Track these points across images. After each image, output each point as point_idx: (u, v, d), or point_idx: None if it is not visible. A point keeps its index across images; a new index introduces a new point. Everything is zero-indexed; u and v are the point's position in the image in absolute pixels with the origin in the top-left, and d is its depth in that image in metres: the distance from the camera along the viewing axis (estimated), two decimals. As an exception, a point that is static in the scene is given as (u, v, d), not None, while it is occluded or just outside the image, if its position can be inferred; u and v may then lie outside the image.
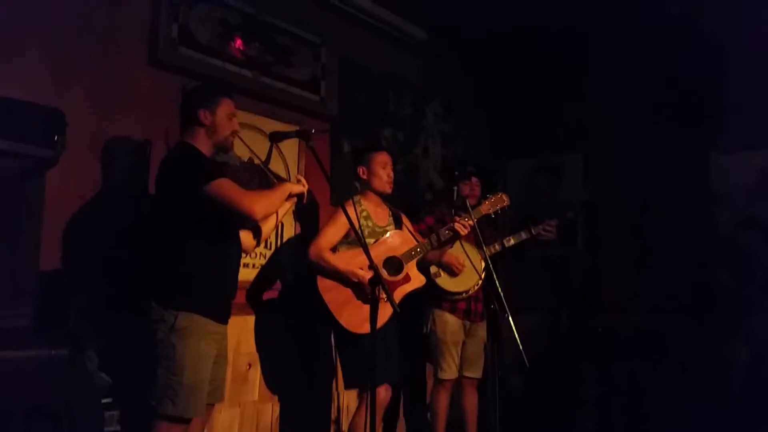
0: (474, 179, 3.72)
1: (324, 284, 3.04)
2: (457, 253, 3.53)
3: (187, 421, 2.35)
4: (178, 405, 2.29)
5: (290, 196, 2.55)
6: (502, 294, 2.99)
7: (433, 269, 3.56)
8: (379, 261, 3.09)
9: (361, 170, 3.28)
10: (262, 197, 2.43)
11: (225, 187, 2.29)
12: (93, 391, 2.25)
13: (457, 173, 3.68)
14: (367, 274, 2.93)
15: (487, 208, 3.36)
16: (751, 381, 3.81)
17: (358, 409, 3.16)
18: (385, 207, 3.35)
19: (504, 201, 3.38)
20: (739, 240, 4.28)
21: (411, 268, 3.19)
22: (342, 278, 3.04)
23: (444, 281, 3.59)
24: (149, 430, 2.30)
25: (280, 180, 2.93)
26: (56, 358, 1.98)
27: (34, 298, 2.15)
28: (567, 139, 5.09)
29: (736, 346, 4.02)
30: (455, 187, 3.40)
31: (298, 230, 3.65)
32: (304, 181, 2.69)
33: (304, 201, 2.60)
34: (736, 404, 3.82)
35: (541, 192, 5.25)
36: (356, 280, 3.01)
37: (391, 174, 3.29)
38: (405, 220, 3.40)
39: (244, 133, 3.30)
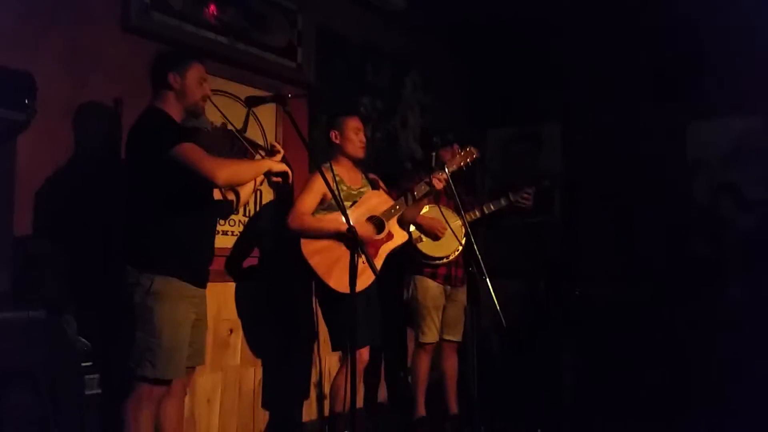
0: (455, 146, 3.73)
1: (308, 249, 3.04)
2: (438, 218, 3.57)
3: (168, 382, 2.38)
4: (158, 367, 2.31)
5: (270, 173, 2.53)
6: (480, 258, 3.04)
7: (414, 234, 3.59)
8: (361, 221, 3.11)
9: (333, 134, 3.28)
10: (228, 164, 2.42)
11: (189, 151, 2.28)
12: (72, 354, 2.25)
13: (437, 140, 3.69)
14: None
15: (458, 161, 3.36)
16: (729, 344, 3.89)
17: (339, 370, 3.20)
18: (358, 171, 3.37)
19: (473, 153, 3.39)
20: (714, 206, 4.35)
21: (392, 225, 3.22)
22: (327, 237, 3.04)
23: (425, 246, 3.63)
24: (130, 392, 2.33)
25: (255, 146, 2.91)
26: (33, 321, 1.99)
27: (9, 263, 2.15)
28: (545, 108, 5.12)
29: (712, 310, 4.10)
30: (433, 153, 3.40)
31: (274, 197, 3.65)
32: (281, 154, 2.70)
33: (290, 181, 2.58)
34: (713, 368, 3.91)
35: (519, 161, 5.30)
36: (342, 231, 2.99)
37: (363, 139, 3.30)
38: (381, 183, 3.42)
39: (220, 99, 3.31)
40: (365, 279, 3.06)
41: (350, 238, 2.36)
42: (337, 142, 3.28)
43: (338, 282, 3.00)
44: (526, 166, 5.21)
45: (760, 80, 4.22)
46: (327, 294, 3.08)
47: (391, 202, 3.25)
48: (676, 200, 4.53)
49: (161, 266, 2.34)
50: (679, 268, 4.29)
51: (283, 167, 2.54)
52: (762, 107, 4.30)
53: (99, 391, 2.40)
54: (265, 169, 2.52)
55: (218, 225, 3.28)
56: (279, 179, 2.55)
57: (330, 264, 3.04)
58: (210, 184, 2.32)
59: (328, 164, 3.26)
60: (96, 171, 2.75)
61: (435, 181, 3.23)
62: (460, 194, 3.43)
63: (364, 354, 3.13)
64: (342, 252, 3.05)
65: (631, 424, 3.62)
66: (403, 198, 3.27)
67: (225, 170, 2.32)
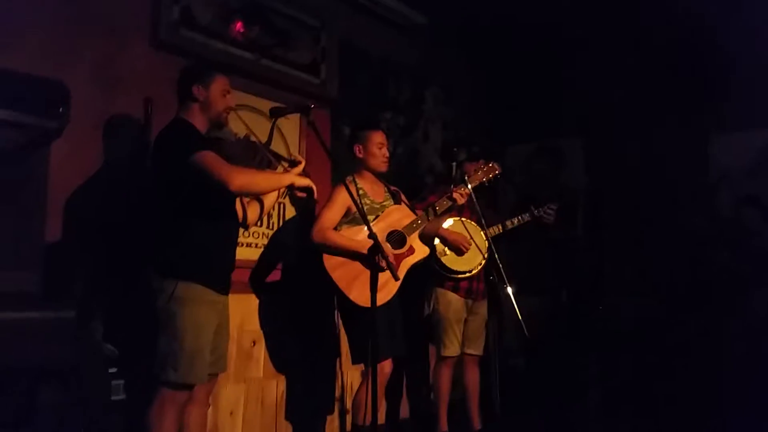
0: (481, 161, 3.75)
1: (331, 263, 3.07)
2: (462, 232, 3.57)
3: (190, 387, 2.39)
4: (180, 371, 2.33)
5: (293, 188, 2.55)
6: (501, 267, 3.03)
7: (439, 248, 3.59)
8: (381, 236, 3.12)
9: (357, 149, 3.30)
10: (244, 172, 2.46)
11: (207, 158, 2.32)
12: (100, 359, 2.28)
13: (462, 154, 3.71)
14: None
15: (479, 177, 3.39)
16: (751, 355, 3.82)
17: (361, 384, 3.19)
18: (381, 184, 3.38)
19: (496, 169, 3.42)
20: (739, 218, 4.30)
21: (414, 240, 3.22)
22: (348, 255, 3.07)
23: (449, 260, 3.63)
24: (154, 398, 2.34)
25: (278, 158, 2.95)
26: (62, 321, 2.02)
27: (40, 266, 2.20)
28: (566, 123, 5.12)
29: (735, 322, 4.04)
30: (453, 163, 3.43)
31: (297, 212, 3.68)
32: (302, 164, 2.73)
33: (315, 197, 2.58)
34: (737, 380, 3.84)
35: (541, 176, 5.29)
36: (363, 252, 3.02)
37: (387, 153, 3.32)
38: (402, 196, 3.44)
39: (245, 113, 3.36)
40: (387, 292, 3.07)
41: (372, 247, 2.37)
42: (361, 156, 3.30)
43: (359, 296, 3.01)
44: (548, 181, 5.20)
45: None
46: (348, 307, 3.08)
47: (412, 217, 3.26)
48: (699, 212, 4.49)
49: (184, 272, 2.38)
50: (703, 282, 4.23)
51: (308, 182, 2.56)
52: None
53: (124, 396, 2.43)
54: (287, 183, 2.54)
55: (242, 236, 3.33)
56: (304, 194, 2.57)
57: (352, 278, 3.05)
58: (224, 191, 2.32)
59: (352, 177, 3.29)
60: (124, 179, 2.82)
61: (457, 196, 3.24)
62: (483, 208, 3.46)
63: (386, 366, 3.12)
64: (363, 267, 3.06)
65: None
66: (425, 212, 3.28)
67: (240, 177, 2.35)
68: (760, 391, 3.69)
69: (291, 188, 2.56)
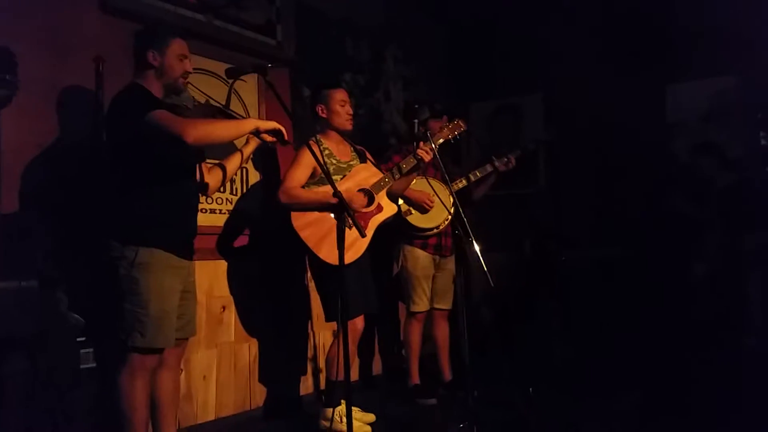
0: (444, 117, 3.76)
1: (299, 222, 3.06)
2: (425, 190, 3.60)
3: (159, 350, 2.40)
4: (147, 336, 2.33)
5: (259, 132, 2.44)
6: (467, 224, 3.07)
7: (404, 207, 3.63)
8: (352, 193, 3.13)
9: (320, 108, 3.28)
10: (200, 122, 2.34)
11: (161, 115, 2.27)
12: (67, 327, 2.27)
13: (428, 113, 3.70)
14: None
15: (446, 134, 3.40)
16: (710, 295, 3.97)
17: (333, 341, 3.24)
18: (346, 144, 3.38)
19: (461, 126, 3.43)
20: (695, 165, 4.41)
21: (381, 197, 3.25)
22: (318, 207, 3.06)
23: (415, 219, 3.67)
24: (123, 364, 2.35)
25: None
26: (25, 290, 2.00)
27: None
28: (525, 79, 5.16)
29: (693, 264, 4.18)
30: (416, 121, 3.43)
31: (262, 177, 3.66)
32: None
33: (286, 138, 2.46)
34: (697, 319, 4.00)
35: (503, 132, 5.34)
36: (332, 201, 3.00)
37: (350, 110, 3.30)
38: (368, 155, 3.44)
39: (201, 77, 3.31)
40: (356, 250, 3.10)
41: (337, 204, 2.37)
42: (324, 115, 3.28)
43: (329, 254, 3.03)
44: (510, 137, 5.26)
45: (732, 41, 4.29)
46: (319, 266, 3.10)
47: (379, 175, 3.27)
48: (657, 161, 4.60)
49: (145, 238, 2.36)
50: (662, 226, 4.35)
51: (274, 124, 2.43)
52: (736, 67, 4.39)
53: (94, 365, 2.42)
54: (251, 128, 2.42)
55: (205, 202, 3.31)
56: (273, 138, 2.47)
57: (321, 236, 3.06)
58: (181, 143, 2.23)
59: (316, 138, 3.28)
60: (78, 146, 2.76)
61: (422, 153, 3.23)
62: (447, 164, 3.47)
63: (358, 323, 3.17)
64: (332, 224, 3.07)
65: (620, 383, 3.69)
66: (391, 171, 3.29)
67: (196, 128, 2.24)
68: (718, 326, 3.86)
69: (257, 133, 2.45)
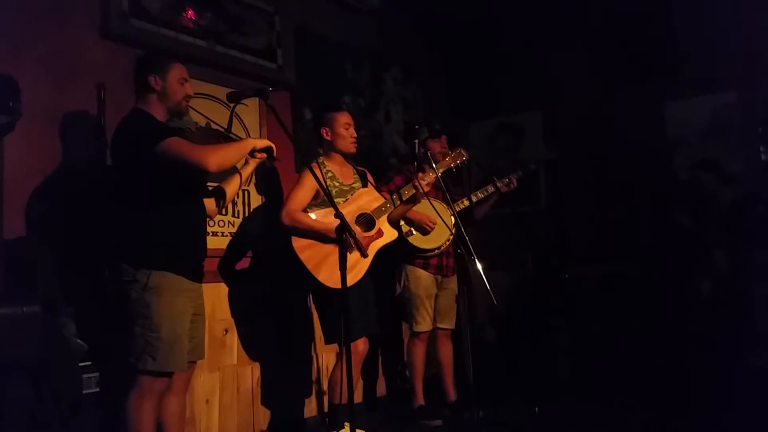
0: (443, 137, 3.79)
1: (299, 244, 3.08)
2: (427, 211, 3.61)
3: (169, 374, 2.39)
4: (158, 360, 2.33)
5: (254, 151, 2.52)
6: (469, 242, 3.08)
7: (405, 228, 3.63)
8: (351, 218, 3.14)
9: (324, 131, 3.31)
10: (216, 149, 2.44)
11: (175, 144, 2.31)
12: (70, 353, 2.27)
13: (426, 133, 3.74)
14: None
15: (448, 163, 3.44)
16: (715, 311, 3.95)
17: (336, 363, 3.22)
18: (349, 166, 3.40)
19: (463, 155, 3.46)
20: (696, 181, 4.42)
21: (382, 223, 3.25)
22: (317, 236, 3.08)
23: (416, 239, 3.68)
24: (131, 387, 2.34)
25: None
26: (28, 316, 2.01)
27: (1, 263, 2.17)
28: (524, 98, 5.19)
29: (699, 281, 4.16)
30: (416, 141, 3.45)
31: (264, 200, 3.68)
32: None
33: (275, 154, 2.56)
34: (702, 336, 3.97)
35: (503, 152, 5.36)
36: (330, 235, 3.03)
37: (354, 134, 3.33)
38: (369, 177, 3.46)
39: (203, 102, 3.35)
40: (356, 273, 3.10)
41: (340, 227, 2.38)
42: (329, 138, 3.30)
43: (328, 277, 3.03)
44: (511, 155, 5.28)
45: (732, 57, 4.33)
46: (320, 289, 3.10)
47: (381, 200, 3.29)
48: (658, 178, 4.61)
49: (157, 262, 2.37)
50: (666, 243, 4.35)
51: (266, 142, 2.55)
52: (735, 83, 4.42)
53: (97, 390, 2.42)
54: (250, 147, 2.51)
55: (208, 226, 3.31)
56: (263, 155, 2.56)
57: (320, 259, 3.07)
58: (201, 172, 2.31)
59: (320, 160, 3.30)
60: (82, 174, 2.78)
61: (418, 185, 3.23)
62: (448, 185, 3.49)
63: (360, 345, 3.14)
64: (332, 248, 3.08)
65: (626, 401, 3.65)
66: (391, 196, 3.30)
67: (215, 155, 2.34)
68: (722, 343, 3.83)
69: (253, 152, 2.53)
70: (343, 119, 3.31)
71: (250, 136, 3.60)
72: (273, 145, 2.54)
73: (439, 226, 3.65)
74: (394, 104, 4.85)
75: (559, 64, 4.95)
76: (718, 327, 3.93)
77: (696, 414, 3.39)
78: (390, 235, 3.28)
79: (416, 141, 3.44)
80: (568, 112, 4.98)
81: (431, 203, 3.53)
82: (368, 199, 3.28)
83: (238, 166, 2.92)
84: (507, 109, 5.32)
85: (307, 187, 3.15)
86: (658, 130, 4.72)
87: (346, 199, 3.22)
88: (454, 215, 3.33)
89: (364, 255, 2.50)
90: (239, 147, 2.55)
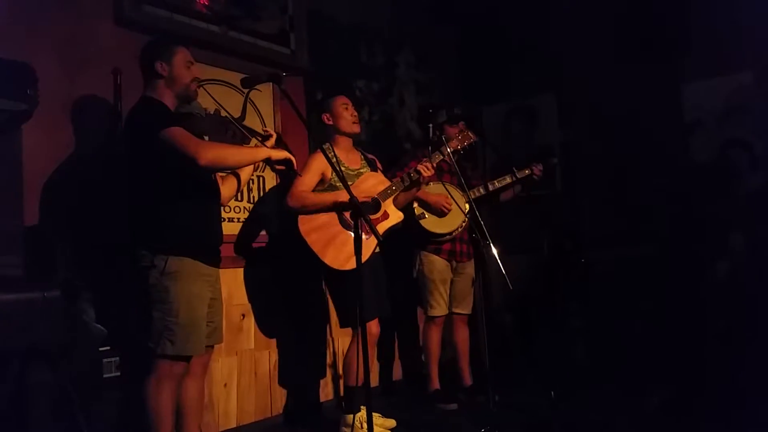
0: (461, 123, 3.77)
1: (305, 227, 3.09)
2: (442, 194, 3.59)
3: (187, 359, 2.42)
4: (177, 344, 2.35)
5: (270, 161, 2.51)
6: (484, 227, 3.07)
7: (417, 211, 3.62)
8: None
9: (325, 117, 3.31)
10: (214, 146, 2.43)
11: (175, 133, 2.30)
12: (90, 338, 2.29)
13: (444, 117, 3.73)
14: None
15: (455, 144, 3.42)
16: (733, 293, 3.92)
17: (350, 346, 3.23)
18: (357, 152, 3.39)
19: (470, 137, 3.45)
20: (722, 161, 4.35)
21: (388, 205, 3.25)
22: (324, 218, 3.09)
23: (429, 223, 3.65)
24: (150, 371, 2.37)
25: (251, 132, 2.93)
26: (48, 301, 2.03)
27: (21, 248, 2.19)
28: (538, 80, 5.13)
29: (716, 263, 4.12)
30: (430, 125, 3.42)
31: (278, 181, 3.68)
32: (273, 136, 2.73)
33: (295, 167, 2.53)
34: (719, 319, 3.94)
35: (517, 135, 5.32)
36: (341, 201, 3.02)
37: (355, 113, 3.32)
38: (379, 165, 3.45)
39: (216, 88, 3.34)
40: (366, 250, 3.09)
41: (352, 207, 2.37)
42: (330, 122, 3.31)
43: (334, 259, 3.05)
44: (524, 139, 5.23)
45: (749, 37, 4.24)
46: (328, 271, 3.11)
47: (387, 183, 3.28)
48: (675, 160, 4.55)
49: (174, 247, 2.39)
50: (682, 225, 4.30)
51: (285, 154, 2.51)
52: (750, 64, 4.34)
53: (118, 374, 2.44)
54: (263, 157, 2.51)
55: (223, 211, 3.32)
56: (283, 167, 2.53)
57: (326, 241, 3.08)
58: (193, 166, 2.29)
59: (327, 145, 3.29)
60: (99, 160, 2.80)
61: (422, 168, 3.20)
62: (465, 170, 3.46)
63: (373, 327, 3.15)
64: (338, 230, 3.10)
65: (643, 385, 3.64)
66: (399, 180, 3.29)
67: (209, 152, 2.31)
68: (739, 329, 3.80)
69: (269, 162, 2.54)
70: (340, 101, 3.32)
71: (264, 122, 3.60)
72: (293, 158, 2.51)
73: (453, 211, 3.64)
74: (407, 88, 4.82)
75: (573, 45, 4.88)
76: (734, 308, 3.89)
77: (713, 396, 3.37)
78: (396, 217, 3.28)
79: (431, 125, 3.41)
80: (583, 95, 4.92)
81: (446, 188, 3.52)
82: (374, 182, 3.28)
83: (248, 171, 2.89)
84: (521, 93, 5.26)
85: (313, 169, 3.16)
86: (675, 111, 4.65)
87: (352, 183, 3.22)
88: (469, 201, 3.31)
89: (378, 238, 2.50)
90: (247, 152, 2.58)
